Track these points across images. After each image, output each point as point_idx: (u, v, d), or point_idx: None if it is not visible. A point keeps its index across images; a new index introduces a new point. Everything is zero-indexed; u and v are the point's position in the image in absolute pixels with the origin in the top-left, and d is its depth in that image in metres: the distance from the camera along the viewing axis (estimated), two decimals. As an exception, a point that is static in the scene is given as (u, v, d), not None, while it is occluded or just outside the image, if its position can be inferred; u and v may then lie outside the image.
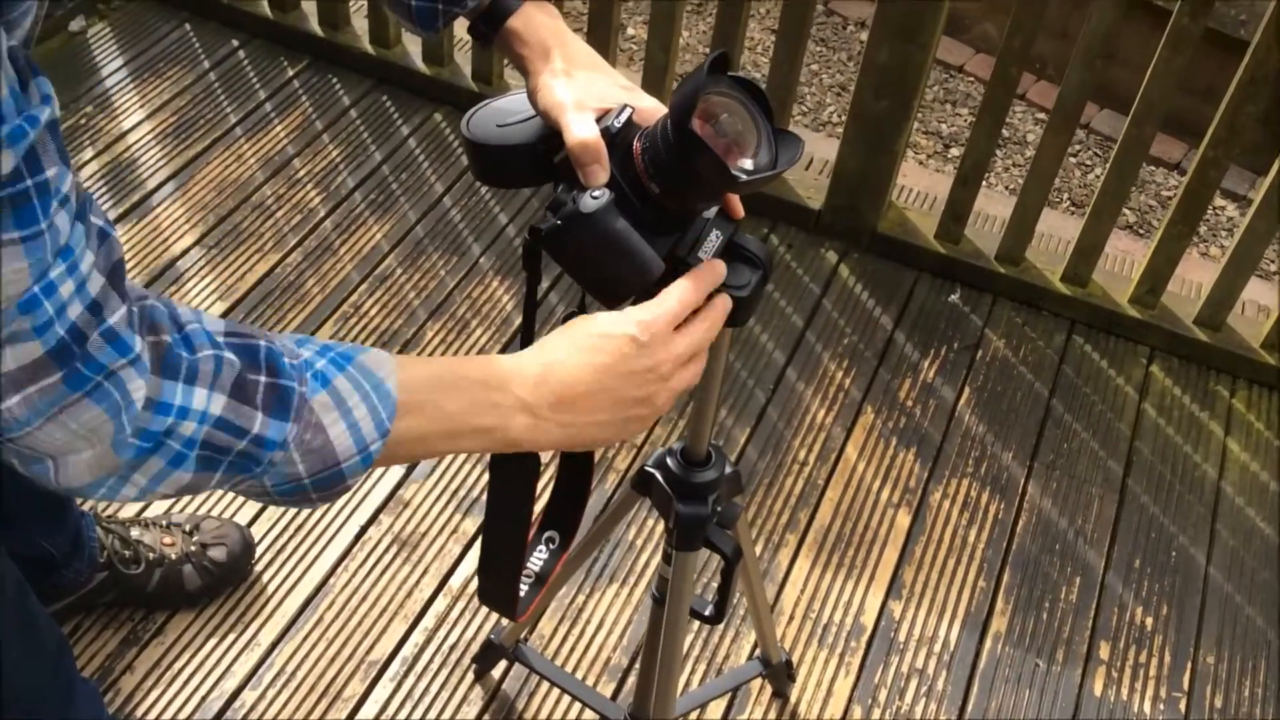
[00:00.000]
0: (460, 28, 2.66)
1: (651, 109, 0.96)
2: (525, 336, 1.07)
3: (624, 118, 0.94)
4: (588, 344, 0.84)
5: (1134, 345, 2.34)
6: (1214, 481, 2.12)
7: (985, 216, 2.72)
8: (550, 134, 0.96)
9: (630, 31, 3.80)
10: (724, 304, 0.91)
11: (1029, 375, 2.26)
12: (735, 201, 0.98)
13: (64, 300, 0.63)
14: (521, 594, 1.14)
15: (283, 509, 1.86)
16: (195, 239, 2.26)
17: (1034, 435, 2.15)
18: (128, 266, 2.18)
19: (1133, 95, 2.12)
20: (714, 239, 0.97)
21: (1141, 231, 3.41)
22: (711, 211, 0.98)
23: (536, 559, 1.17)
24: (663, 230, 0.94)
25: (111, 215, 2.27)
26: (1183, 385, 2.28)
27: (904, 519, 1.99)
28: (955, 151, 3.58)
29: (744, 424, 2.09)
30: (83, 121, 2.46)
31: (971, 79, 3.95)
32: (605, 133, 0.92)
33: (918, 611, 1.87)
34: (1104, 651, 1.86)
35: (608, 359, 0.83)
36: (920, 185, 2.91)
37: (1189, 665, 1.86)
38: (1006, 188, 3.46)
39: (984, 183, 2.98)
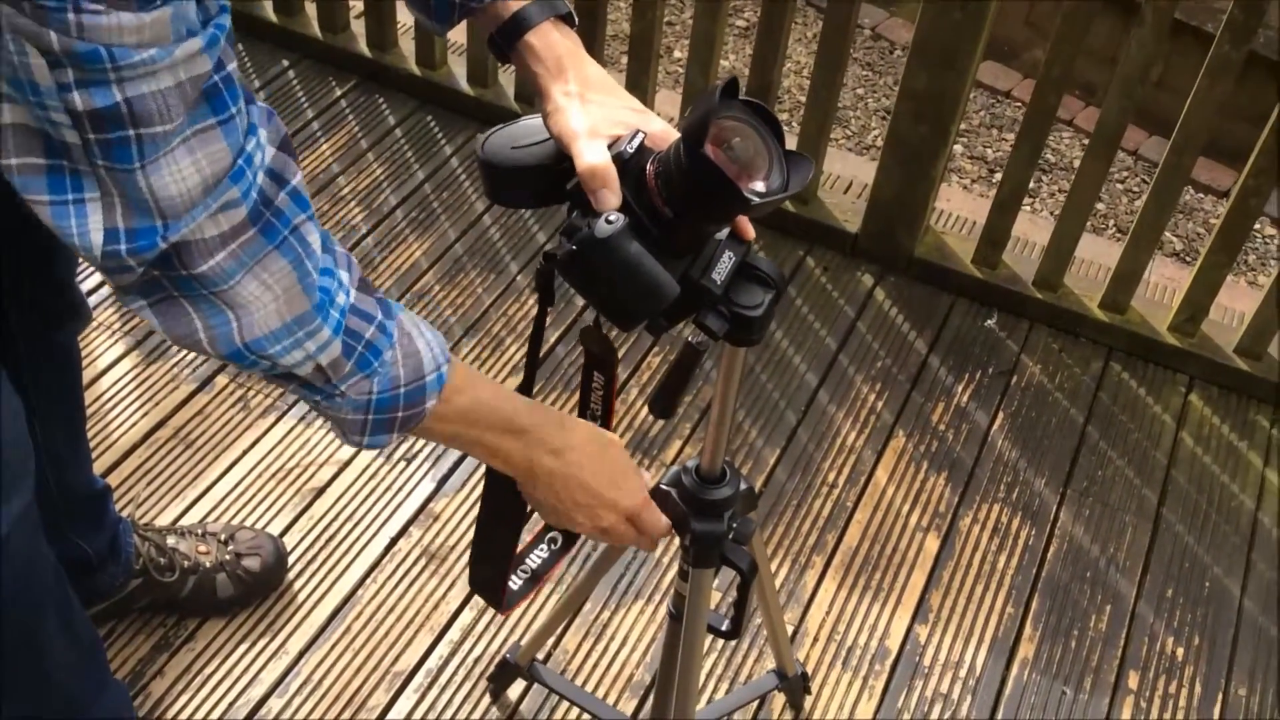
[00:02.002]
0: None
1: (663, 133, 0.98)
2: (531, 356, 1.10)
3: (636, 143, 0.95)
4: (606, 479, 1.04)
5: (1172, 373, 2.32)
6: (1251, 512, 2.10)
7: (1025, 242, 2.71)
8: (564, 156, 0.98)
9: (677, 54, 3.83)
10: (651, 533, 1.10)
11: (1064, 402, 2.25)
12: (745, 223, 0.99)
13: (257, 168, 0.78)
14: (515, 587, 1.16)
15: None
16: (240, 254, 2.31)
17: (1068, 462, 2.14)
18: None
19: (1183, 123, 2.11)
20: (727, 260, 0.98)
21: (1188, 259, 3.38)
22: (724, 233, 0.99)
23: (536, 556, 1.19)
24: (676, 253, 0.95)
25: (160, 229, 2.32)
26: (1221, 414, 2.26)
27: (933, 543, 1.98)
28: (1000, 176, 3.56)
29: (774, 445, 2.10)
30: (135, 138, 2.51)
31: (1019, 104, 3.94)
32: (618, 158, 0.94)
33: (944, 636, 1.86)
34: (1133, 681, 1.84)
35: (598, 493, 1.03)
36: (964, 210, 2.91)
37: (1220, 697, 1.84)
38: (1051, 213, 3.44)
39: (1029, 208, 2.96)
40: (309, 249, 0.82)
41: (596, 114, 0.97)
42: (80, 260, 1.44)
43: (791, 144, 0.92)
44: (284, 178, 0.81)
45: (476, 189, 2.51)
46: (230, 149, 0.76)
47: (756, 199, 0.90)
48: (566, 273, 0.94)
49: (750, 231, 1.00)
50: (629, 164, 0.94)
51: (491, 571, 1.14)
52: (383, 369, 0.88)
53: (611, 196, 0.92)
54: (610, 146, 0.95)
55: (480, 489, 1.93)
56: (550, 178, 0.97)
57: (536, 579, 1.17)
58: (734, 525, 1.23)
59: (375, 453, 1.99)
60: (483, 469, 1.99)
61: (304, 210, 0.82)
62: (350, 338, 0.86)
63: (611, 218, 0.92)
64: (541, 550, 1.18)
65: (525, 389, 1.10)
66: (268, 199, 0.79)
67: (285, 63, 2.75)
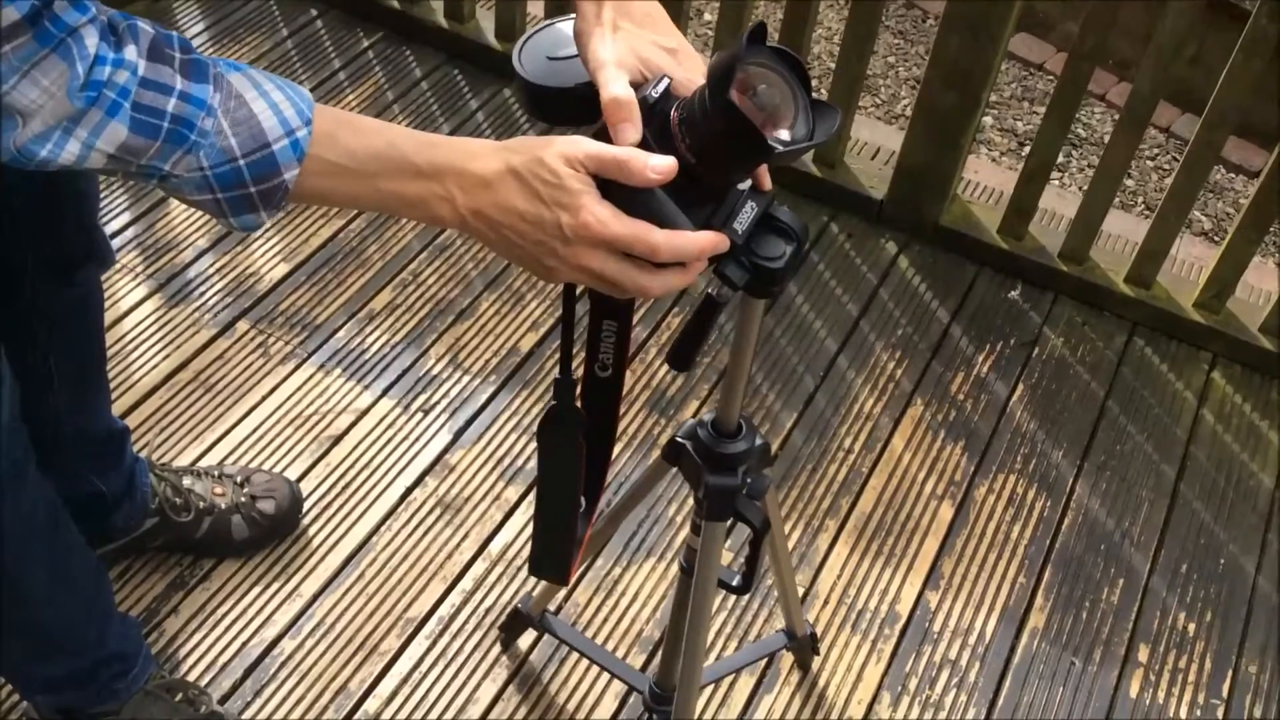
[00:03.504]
0: (534, 4, 2.68)
1: (688, 80, 0.96)
2: (566, 306, 1.08)
3: (662, 88, 0.94)
4: (526, 183, 0.87)
5: (1196, 350, 2.30)
6: (1269, 491, 2.08)
7: (1053, 215, 2.69)
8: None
9: (707, 17, 3.80)
10: (697, 241, 0.89)
11: (1085, 375, 2.23)
12: (764, 174, 0.98)
13: None
14: None
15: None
16: (264, 201, 2.31)
17: (1086, 435, 2.13)
18: (197, 226, 2.23)
19: (1217, 101, 2.08)
20: (749, 210, 0.97)
21: (1217, 239, 3.35)
22: (747, 184, 0.99)
23: None
24: (699, 202, 0.94)
25: (185, 175, 2.33)
26: (1244, 393, 2.24)
27: (947, 511, 1.98)
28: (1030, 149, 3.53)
29: (791, 409, 2.09)
30: (163, 83, 2.52)
31: (1051, 77, 3.90)
32: (643, 103, 0.93)
33: (954, 603, 1.86)
34: (1143, 654, 1.84)
35: (539, 219, 0.87)
36: (992, 181, 2.88)
37: (1230, 673, 1.83)
38: (1080, 188, 3.41)
39: (1059, 183, 2.94)
40: (84, 51, 0.77)
41: (624, 45, 0.94)
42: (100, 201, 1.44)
43: None
44: None
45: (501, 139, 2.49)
46: None
47: (781, 147, 0.89)
48: None
49: (768, 182, 0.99)
50: (654, 109, 0.93)
51: (560, 548, 1.15)
52: (205, 141, 0.82)
53: (632, 130, 0.90)
54: (637, 89, 0.94)
55: (496, 443, 1.95)
56: (587, 97, 0.96)
57: (579, 545, 1.17)
58: (748, 480, 1.23)
59: (393, 402, 2.00)
60: (502, 423, 2.00)
61: (84, 14, 0.77)
62: (145, 114, 0.80)
63: None
64: None
65: (565, 357, 1.06)
66: (47, 2, 0.75)
67: (314, 12, 2.74)
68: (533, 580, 1.79)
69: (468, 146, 0.89)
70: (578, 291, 1.05)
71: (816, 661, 1.76)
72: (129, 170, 0.83)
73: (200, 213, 2.22)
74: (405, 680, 1.68)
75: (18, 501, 1.26)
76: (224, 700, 1.63)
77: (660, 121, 0.93)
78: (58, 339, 1.45)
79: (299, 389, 2.00)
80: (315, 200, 0.89)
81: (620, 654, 1.74)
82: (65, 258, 1.39)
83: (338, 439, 1.94)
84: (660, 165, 0.88)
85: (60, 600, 1.39)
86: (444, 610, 1.75)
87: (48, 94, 0.77)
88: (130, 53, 0.79)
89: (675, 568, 1.83)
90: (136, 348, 2.02)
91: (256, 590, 1.75)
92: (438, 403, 2.01)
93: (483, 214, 0.88)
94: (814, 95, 0.92)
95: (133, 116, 0.80)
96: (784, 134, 0.92)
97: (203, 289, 2.13)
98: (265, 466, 1.89)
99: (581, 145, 0.88)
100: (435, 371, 2.06)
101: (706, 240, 0.91)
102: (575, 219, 0.86)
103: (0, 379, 1.17)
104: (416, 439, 1.96)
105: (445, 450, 1.95)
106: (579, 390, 1.10)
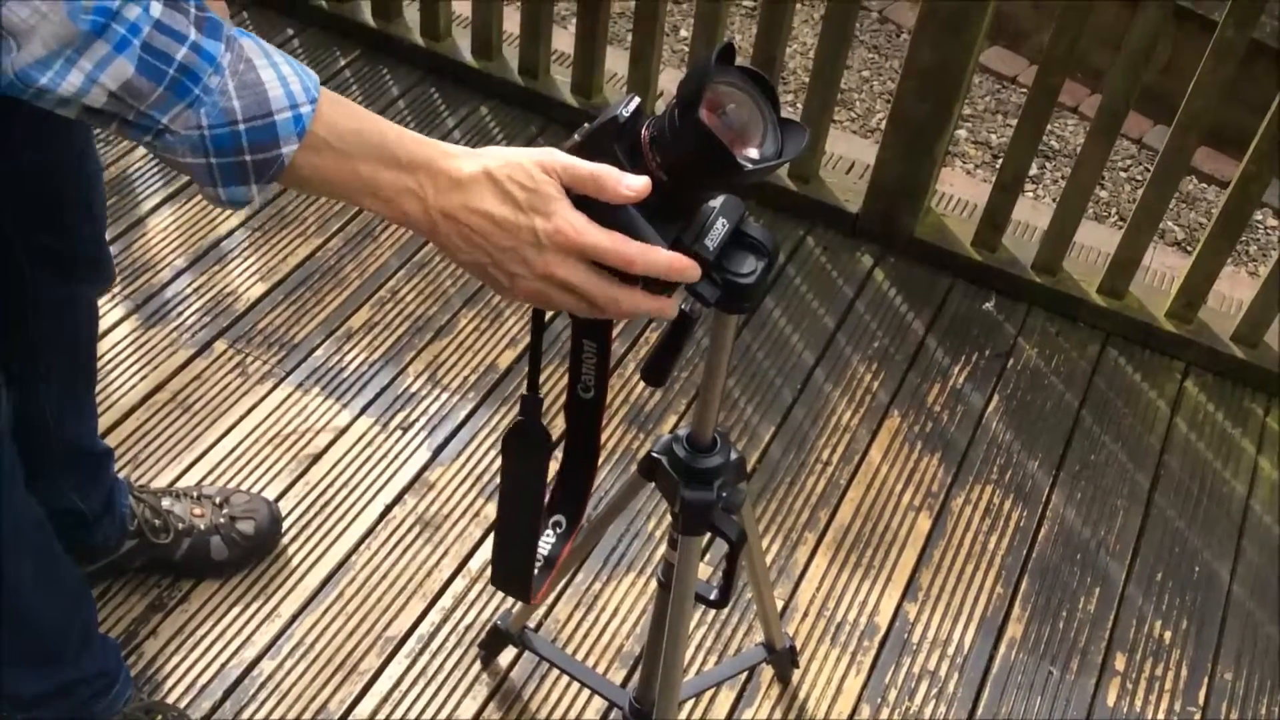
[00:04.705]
0: (510, 21, 2.68)
1: None
2: (536, 324, 1.09)
3: (632, 107, 0.95)
4: (508, 190, 0.87)
5: (1169, 360, 2.32)
6: (1243, 499, 2.10)
7: (1026, 226, 2.71)
8: None
9: (683, 33, 3.82)
10: (665, 259, 0.90)
11: (1060, 385, 2.25)
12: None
13: None
14: (533, 576, 1.18)
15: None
16: (241, 220, 2.31)
17: (1061, 445, 2.15)
18: (174, 246, 2.24)
19: (1189, 112, 2.10)
20: (720, 227, 0.98)
21: (1189, 249, 3.38)
22: (718, 200, 1.00)
23: (544, 543, 1.20)
24: (669, 218, 0.95)
25: (161, 195, 2.33)
26: (1216, 401, 2.26)
27: (924, 523, 1.99)
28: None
29: (769, 422, 2.10)
30: (138, 103, 2.52)
31: (1025, 90, 3.93)
32: (613, 121, 0.94)
33: (933, 614, 1.87)
34: (1119, 663, 1.85)
35: (514, 224, 0.87)
36: (966, 194, 2.91)
37: (1206, 681, 1.85)
38: (1054, 200, 3.43)
39: (1032, 195, 2.96)
40: None
41: None
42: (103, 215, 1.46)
43: None
44: None
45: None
46: None
47: (750, 165, 0.91)
48: None
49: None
50: (624, 127, 0.94)
51: (517, 563, 1.15)
52: (208, 98, 0.79)
53: None
54: (606, 109, 0.95)
55: (475, 460, 1.96)
56: None
57: (551, 565, 1.17)
58: (723, 494, 1.24)
59: (372, 420, 2.00)
60: (481, 440, 2.01)
61: None
62: (152, 56, 0.77)
63: None
64: (548, 536, 1.19)
65: (533, 373, 1.07)
66: None
67: (290, 31, 2.74)
68: (513, 598, 1.79)
69: (446, 147, 0.89)
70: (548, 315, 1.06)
71: (796, 674, 1.76)
72: (126, 118, 0.79)
73: (176, 230, 2.24)
74: (385, 699, 1.68)
75: (13, 501, 1.27)
76: (204, 721, 1.63)
77: (631, 140, 0.94)
78: (51, 351, 1.46)
79: (277, 408, 2.00)
80: (291, 186, 0.87)
81: (600, 669, 1.74)
82: (62, 262, 1.40)
83: (316, 458, 1.94)
84: (635, 184, 0.89)
85: (49, 602, 1.39)
86: (424, 628, 1.75)
87: (39, 13, 0.73)
88: None
89: (655, 582, 1.83)
90: (114, 368, 2.02)
91: (236, 611, 1.74)
92: (416, 420, 2.02)
93: (452, 215, 0.87)
94: (782, 113, 0.94)
95: (141, 56, 0.76)
96: (753, 152, 0.93)
97: (180, 309, 2.13)
98: (244, 486, 1.89)
99: (557, 156, 0.89)
100: (414, 389, 2.06)
101: (679, 258, 0.92)
102: (550, 224, 0.86)
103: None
104: (395, 457, 1.96)
105: (424, 468, 1.95)
106: (565, 411, 1.10)
